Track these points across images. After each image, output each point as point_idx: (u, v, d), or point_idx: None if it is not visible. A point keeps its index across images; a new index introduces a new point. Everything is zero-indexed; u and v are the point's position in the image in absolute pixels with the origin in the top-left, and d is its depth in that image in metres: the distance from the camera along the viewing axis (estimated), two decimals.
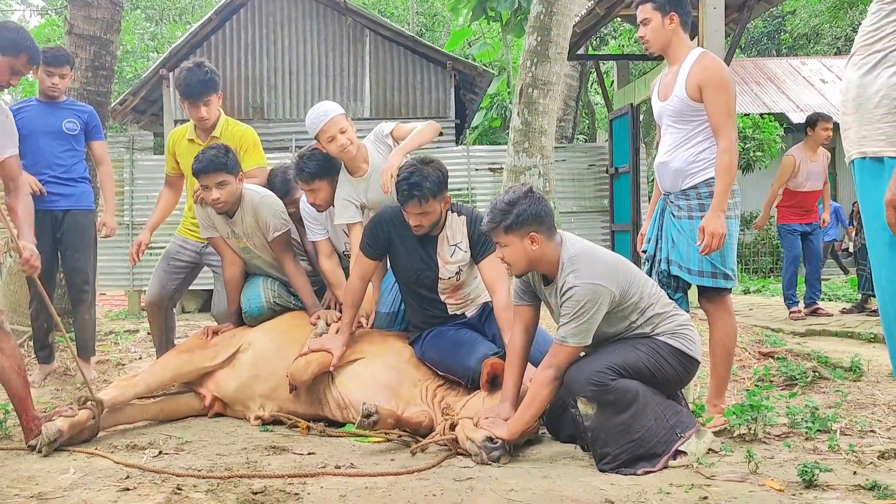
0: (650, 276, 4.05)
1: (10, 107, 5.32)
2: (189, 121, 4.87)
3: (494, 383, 3.73)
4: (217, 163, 4.22)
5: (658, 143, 4.25)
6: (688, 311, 4.04)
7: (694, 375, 3.65)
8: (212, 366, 4.39)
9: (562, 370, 3.40)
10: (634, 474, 3.22)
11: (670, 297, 3.88)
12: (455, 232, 4.09)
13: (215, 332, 4.56)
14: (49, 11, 28.03)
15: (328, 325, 4.27)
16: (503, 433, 3.43)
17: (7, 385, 3.70)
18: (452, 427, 3.62)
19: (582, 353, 3.48)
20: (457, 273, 4.08)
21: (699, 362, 3.57)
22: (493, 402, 3.68)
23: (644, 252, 4.18)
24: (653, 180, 4.16)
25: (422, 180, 3.82)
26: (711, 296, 3.93)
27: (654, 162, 4.11)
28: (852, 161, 2.78)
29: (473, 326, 4.15)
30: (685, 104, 3.84)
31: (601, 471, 3.27)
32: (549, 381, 3.40)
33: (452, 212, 4.12)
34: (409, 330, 4.38)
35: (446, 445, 3.58)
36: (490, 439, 3.40)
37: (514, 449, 3.52)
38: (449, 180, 4.03)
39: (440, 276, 4.06)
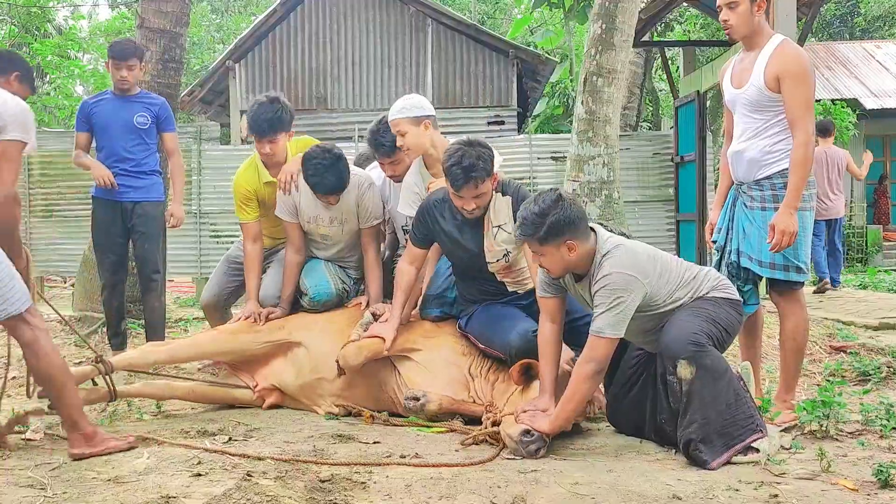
0: (719, 266, 4.00)
1: (86, 99, 5.48)
2: (248, 160, 4.74)
3: (529, 374, 3.71)
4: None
5: (725, 131, 4.17)
6: (757, 304, 4.00)
7: (744, 319, 3.72)
8: (256, 350, 4.37)
9: (602, 363, 3.37)
10: (706, 463, 3.18)
11: (739, 289, 3.86)
12: (499, 213, 4.01)
13: (266, 318, 4.48)
14: (120, 4, 28.67)
15: (376, 317, 4.23)
16: (544, 427, 3.40)
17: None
18: (496, 424, 3.61)
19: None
20: (504, 255, 4.01)
21: (742, 302, 3.65)
22: (531, 395, 3.66)
23: (714, 242, 4.11)
24: (718, 169, 4.10)
25: (475, 162, 3.77)
26: (782, 289, 3.86)
27: (728, 150, 4.01)
28: None
29: (522, 306, 4.09)
30: (762, 94, 3.75)
31: (684, 438, 3.25)
32: (591, 374, 3.37)
33: (496, 191, 4.03)
34: (456, 317, 4.32)
35: (489, 440, 3.58)
36: (527, 432, 3.37)
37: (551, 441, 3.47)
38: (511, 169, 4.01)
39: (487, 260, 4.02)
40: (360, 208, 4.45)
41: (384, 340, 4.04)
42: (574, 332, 3.87)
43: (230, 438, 3.70)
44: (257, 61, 14.10)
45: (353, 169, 4.44)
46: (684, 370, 3.27)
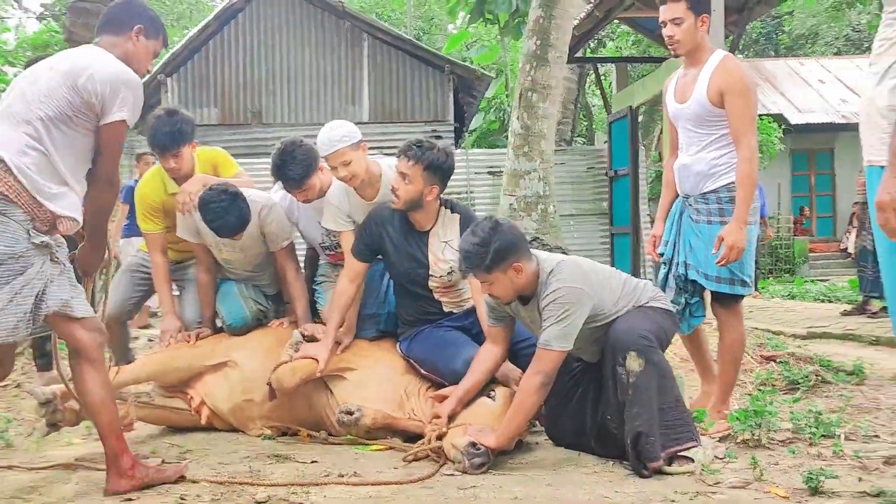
0: (666, 279, 4.07)
1: None
2: (152, 168, 4.58)
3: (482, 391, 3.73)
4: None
5: (669, 145, 4.23)
6: (703, 316, 4.05)
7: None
8: (204, 366, 4.24)
9: (549, 376, 3.39)
10: (655, 457, 3.24)
11: (686, 302, 3.96)
12: (448, 229, 4.05)
13: (197, 336, 4.36)
14: (47, 16, 27.99)
15: (305, 336, 4.13)
16: (490, 442, 3.40)
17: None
18: (440, 437, 3.59)
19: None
20: (449, 273, 4.02)
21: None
22: (478, 411, 3.65)
23: (661, 255, 4.14)
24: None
25: (414, 143, 3.89)
26: (726, 301, 3.91)
27: (674, 164, 4.05)
28: (866, 167, 2.78)
29: (463, 328, 4.09)
30: (705, 109, 3.80)
31: (632, 431, 3.28)
32: (538, 387, 3.39)
33: (446, 208, 4.08)
34: (390, 333, 4.30)
35: (432, 454, 3.55)
36: (474, 445, 3.36)
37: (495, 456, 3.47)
38: (448, 185, 4.02)
39: (431, 273, 4.00)
40: (266, 235, 4.35)
41: (318, 361, 3.93)
42: (515, 356, 3.89)
43: (163, 461, 3.61)
44: (190, 75, 13.90)
45: (247, 193, 4.22)
46: (633, 362, 3.33)
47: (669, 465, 3.31)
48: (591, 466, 3.46)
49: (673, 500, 2.92)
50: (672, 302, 4.02)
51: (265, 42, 14.03)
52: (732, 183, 3.78)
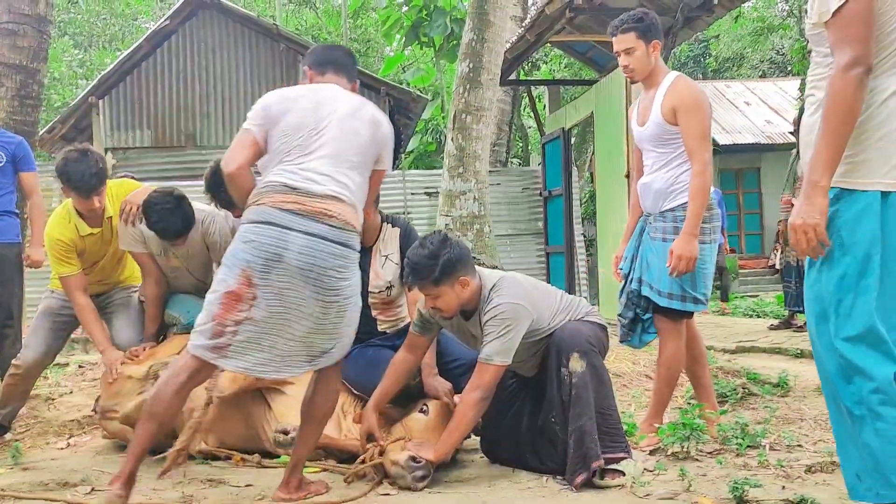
0: (622, 293, 4.14)
1: None
2: (59, 209, 4.43)
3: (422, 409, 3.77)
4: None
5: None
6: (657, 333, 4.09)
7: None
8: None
9: (489, 390, 3.44)
10: (597, 457, 3.32)
11: (639, 317, 4.05)
12: (388, 243, 4.08)
13: (136, 355, 4.27)
14: None
15: None
16: (430, 455, 3.44)
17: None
18: (381, 453, 3.61)
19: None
20: (388, 287, 4.04)
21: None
22: (416, 426, 3.69)
23: (620, 270, 4.21)
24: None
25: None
26: (672, 317, 3.95)
27: (638, 183, 4.14)
28: None
29: (394, 347, 4.05)
30: (662, 128, 3.90)
31: (577, 431, 3.35)
32: (477, 401, 3.44)
33: (387, 223, 4.12)
34: None
35: (372, 472, 3.56)
36: (414, 459, 3.39)
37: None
38: (386, 205, 4.05)
39: (370, 288, 4.00)
40: (209, 243, 4.34)
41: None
42: (448, 375, 3.94)
43: (93, 489, 3.55)
44: (122, 97, 13.69)
45: (192, 203, 4.26)
46: (576, 363, 3.42)
47: (602, 478, 3.37)
48: (526, 482, 3.50)
49: None
50: (619, 316, 4.14)
51: (199, 64, 13.91)
52: (687, 202, 3.86)
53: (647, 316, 4.04)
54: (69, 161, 4.15)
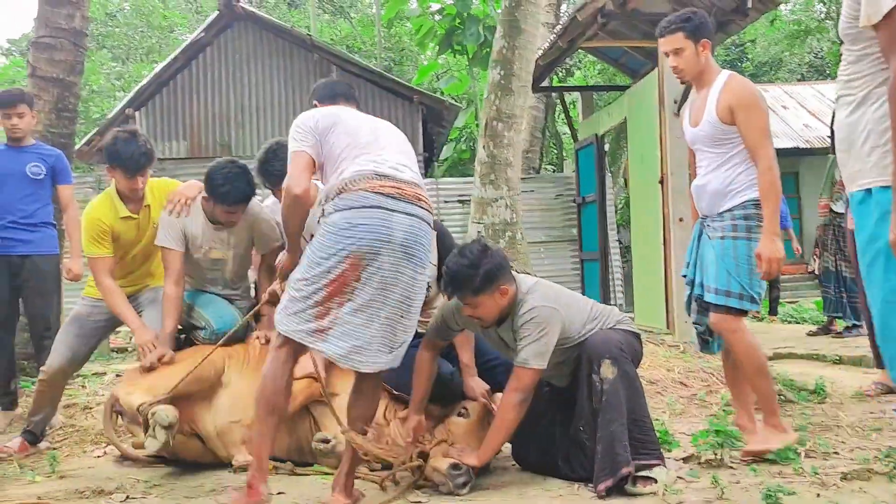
0: (690, 301, 4.07)
1: None
2: (101, 194, 4.52)
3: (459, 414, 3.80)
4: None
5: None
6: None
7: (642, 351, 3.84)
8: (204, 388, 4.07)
9: (528, 393, 3.45)
10: (628, 462, 3.28)
11: (705, 325, 3.96)
12: None
13: (160, 360, 4.14)
14: (14, 52, 27.92)
15: None
16: (473, 461, 3.45)
17: None
18: (422, 455, 3.61)
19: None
20: (426, 288, 4.05)
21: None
22: (457, 431, 3.72)
23: (684, 276, 4.13)
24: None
25: None
26: (726, 315, 3.82)
27: (692, 185, 4.08)
28: (851, 194, 2.85)
29: None
30: (717, 128, 3.83)
31: (607, 438, 3.33)
32: (517, 404, 3.44)
33: None
34: None
35: (411, 472, 3.58)
36: (456, 466, 3.40)
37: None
38: None
39: None
40: (255, 232, 4.37)
41: (319, 380, 3.81)
42: (485, 372, 3.98)
43: (128, 497, 3.59)
44: (159, 109, 13.90)
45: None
46: (607, 369, 3.40)
47: (634, 485, 3.34)
48: (557, 490, 3.48)
49: None
50: (695, 324, 4.07)
51: (234, 75, 14.08)
52: (748, 201, 3.78)
53: None
54: (119, 140, 4.26)
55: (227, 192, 4.14)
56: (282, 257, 3.62)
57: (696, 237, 4.09)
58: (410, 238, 3.17)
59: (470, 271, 3.39)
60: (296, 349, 3.26)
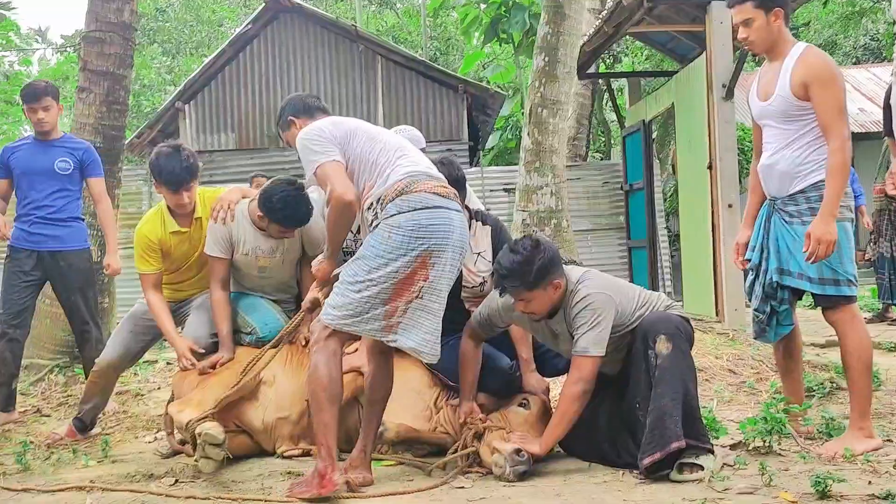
0: (753, 286, 3.96)
1: (6, 145, 5.34)
2: (153, 209, 4.52)
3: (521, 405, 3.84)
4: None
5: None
6: (792, 325, 3.92)
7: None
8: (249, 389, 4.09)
9: (590, 382, 3.45)
10: (674, 437, 3.25)
11: (774, 310, 3.87)
12: (479, 241, 4.11)
13: (214, 365, 4.20)
14: (67, 48, 28.46)
15: None
16: (535, 449, 3.46)
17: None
18: (476, 436, 3.62)
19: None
20: (481, 283, 4.07)
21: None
22: (516, 420, 3.73)
23: (748, 261, 4.00)
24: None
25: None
26: (835, 305, 3.71)
27: (758, 165, 3.93)
28: None
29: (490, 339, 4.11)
30: (790, 103, 3.68)
31: (657, 411, 3.33)
32: (580, 394, 3.45)
33: (477, 220, 4.16)
34: None
35: (467, 459, 3.61)
36: (518, 452, 3.40)
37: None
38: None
39: (464, 284, 4.03)
40: (307, 237, 4.36)
41: (362, 374, 3.92)
42: (541, 359, 4.04)
43: (177, 481, 3.66)
44: (207, 101, 14.08)
45: None
46: (662, 345, 3.40)
47: (680, 472, 3.30)
48: (601, 476, 3.46)
49: None
50: (756, 311, 3.95)
51: (280, 67, 14.19)
52: (821, 181, 3.63)
53: (783, 308, 3.83)
54: (161, 156, 4.27)
55: (287, 217, 4.14)
56: (320, 263, 3.62)
57: (762, 220, 3.93)
58: (463, 235, 3.39)
59: (524, 267, 3.38)
60: (343, 340, 3.38)
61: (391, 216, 3.24)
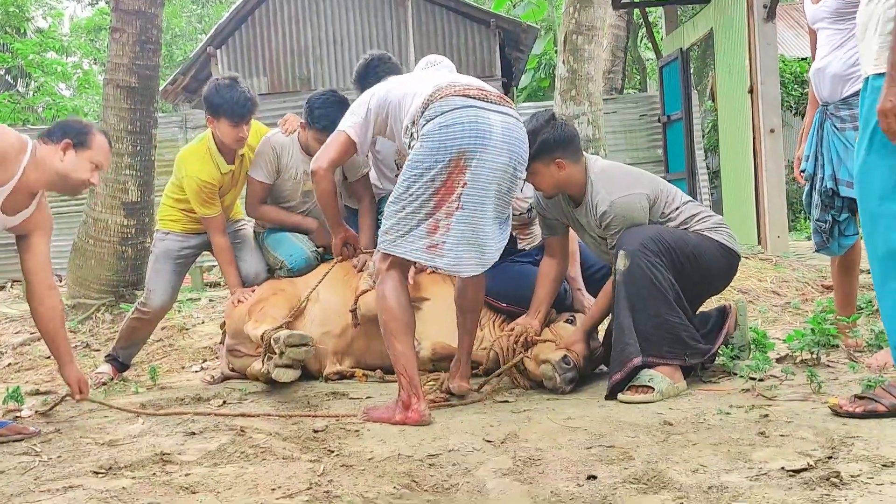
0: (810, 196, 3.85)
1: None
2: (194, 154, 4.40)
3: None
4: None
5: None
6: (856, 234, 3.79)
7: (736, 272, 3.65)
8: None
9: None
10: (632, 356, 3.25)
11: (835, 220, 3.75)
12: None
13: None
14: (98, 1, 28.47)
15: None
16: (581, 347, 3.55)
17: None
18: (525, 346, 3.62)
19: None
20: (528, 210, 4.06)
21: (740, 257, 3.59)
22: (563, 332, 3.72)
23: (802, 172, 3.89)
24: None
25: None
26: None
27: (811, 69, 3.82)
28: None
29: (535, 261, 4.07)
30: (843, 1, 3.57)
31: (616, 325, 3.36)
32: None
33: None
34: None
35: (513, 371, 3.63)
36: (565, 359, 3.41)
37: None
38: None
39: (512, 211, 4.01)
40: (346, 164, 4.32)
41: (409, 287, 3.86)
42: (590, 280, 4.06)
43: (224, 402, 3.72)
44: (238, 46, 14.02)
45: None
46: (620, 261, 3.35)
47: (625, 392, 3.26)
48: (587, 398, 3.41)
49: (728, 413, 2.90)
50: (817, 221, 3.83)
51: (309, 8, 14.06)
52: None
53: (844, 217, 3.72)
54: (221, 86, 4.19)
55: (320, 115, 4.16)
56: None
57: (815, 127, 3.82)
58: (509, 133, 3.16)
59: (530, 137, 3.34)
60: (406, 267, 3.33)
61: (422, 127, 3.16)
